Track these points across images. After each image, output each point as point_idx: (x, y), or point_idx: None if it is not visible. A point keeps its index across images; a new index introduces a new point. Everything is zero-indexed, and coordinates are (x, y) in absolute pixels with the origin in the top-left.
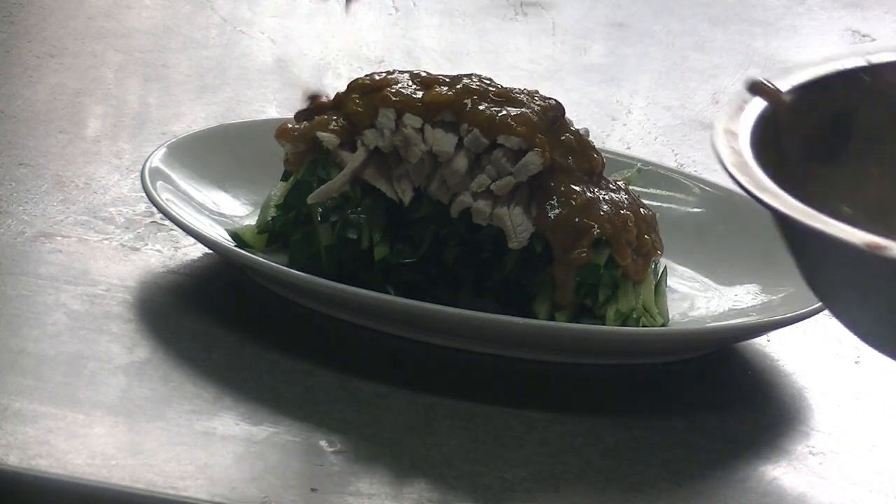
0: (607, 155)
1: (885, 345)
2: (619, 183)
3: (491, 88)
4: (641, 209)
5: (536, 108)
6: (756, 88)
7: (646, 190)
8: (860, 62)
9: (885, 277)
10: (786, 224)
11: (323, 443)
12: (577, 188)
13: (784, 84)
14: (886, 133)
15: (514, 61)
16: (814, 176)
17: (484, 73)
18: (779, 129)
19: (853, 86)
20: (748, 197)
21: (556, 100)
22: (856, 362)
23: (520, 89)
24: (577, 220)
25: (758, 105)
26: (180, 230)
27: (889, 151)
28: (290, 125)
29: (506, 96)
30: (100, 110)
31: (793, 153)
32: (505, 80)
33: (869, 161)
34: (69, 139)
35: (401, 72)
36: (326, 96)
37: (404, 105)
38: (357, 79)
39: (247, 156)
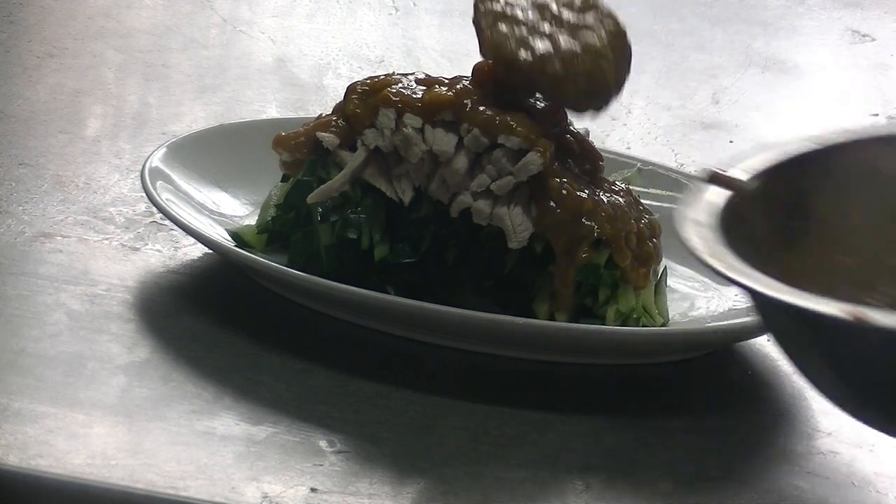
0: (607, 155)
1: (848, 401)
2: (620, 185)
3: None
4: (646, 215)
5: (538, 109)
6: (714, 178)
7: (646, 190)
8: (811, 146)
9: (869, 343)
10: (764, 302)
11: (323, 443)
12: (577, 188)
13: (741, 172)
14: (842, 213)
15: None
16: (779, 257)
17: None
18: (740, 215)
19: (806, 169)
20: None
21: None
22: None
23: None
24: (577, 220)
25: (719, 193)
26: (180, 230)
27: (845, 230)
28: (284, 133)
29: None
30: (100, 110)
31: (757, 237)
32: None
33: (828, 240)
34: (69, 139)
35: (402, 75)
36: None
37: (404, 105)
38: (355, 82)
39: (247, 156)
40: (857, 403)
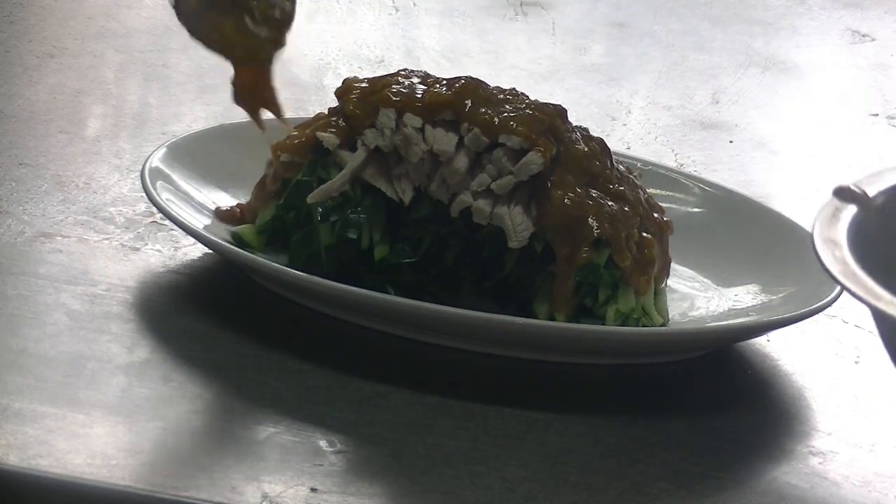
0: None
1: None
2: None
3: (499, 94)
4: (655, 215)
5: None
6: (845, 194)
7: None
8: None
9: None
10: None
11: (323, 443)
12: (577, 189)
13: (872, 189)
14: None
15: (514, 61)
16: None
17: (484, 74)
18: (871, 233)
19: None
20: (748, 197)
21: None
22: (856, 362)
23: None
24: (576, 220)
25: (849, 210)
26: (180, 230)
27: None
28: (277, 142)
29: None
30: (100, 110)
31: (889, 257)
32: (505, 80)
33: None
34: (69, 139)
35: (401, 74)
36: None
37: (404, 105)
38: (354, 77)
39: (247, 156)
40: None
